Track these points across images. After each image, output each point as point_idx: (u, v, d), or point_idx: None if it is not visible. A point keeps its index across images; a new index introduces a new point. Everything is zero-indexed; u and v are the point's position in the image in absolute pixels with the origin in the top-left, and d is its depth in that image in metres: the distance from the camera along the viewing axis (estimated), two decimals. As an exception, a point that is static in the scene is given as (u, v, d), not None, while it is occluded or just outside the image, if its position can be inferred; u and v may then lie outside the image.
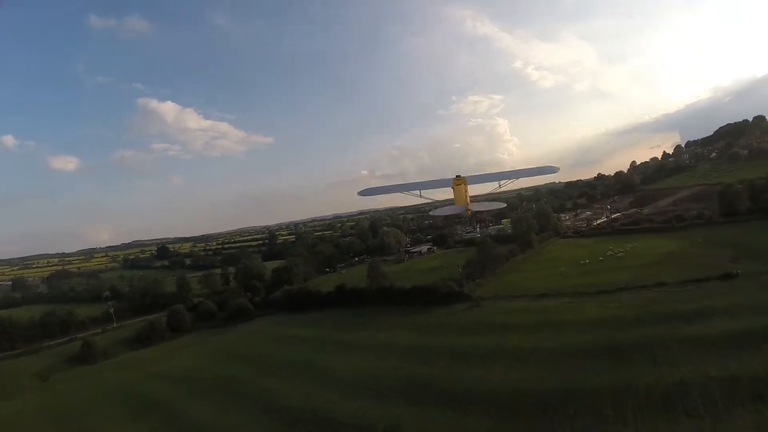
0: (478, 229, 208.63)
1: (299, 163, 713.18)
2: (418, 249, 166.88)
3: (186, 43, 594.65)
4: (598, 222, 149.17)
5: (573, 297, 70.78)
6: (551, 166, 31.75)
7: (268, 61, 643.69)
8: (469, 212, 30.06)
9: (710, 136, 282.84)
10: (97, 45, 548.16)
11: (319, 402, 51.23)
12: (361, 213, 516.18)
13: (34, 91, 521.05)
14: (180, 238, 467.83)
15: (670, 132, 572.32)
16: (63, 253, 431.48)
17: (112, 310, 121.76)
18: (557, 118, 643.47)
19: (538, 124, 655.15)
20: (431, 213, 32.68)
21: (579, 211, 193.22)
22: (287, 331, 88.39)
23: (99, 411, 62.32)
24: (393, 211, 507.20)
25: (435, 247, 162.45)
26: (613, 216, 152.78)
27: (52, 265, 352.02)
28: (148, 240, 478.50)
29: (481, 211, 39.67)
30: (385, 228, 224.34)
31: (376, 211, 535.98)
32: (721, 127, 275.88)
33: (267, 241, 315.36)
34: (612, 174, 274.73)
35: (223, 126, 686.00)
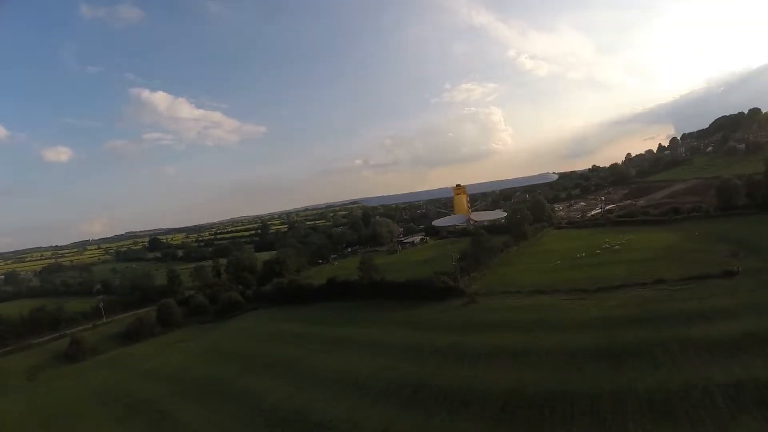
0: (470, 212, 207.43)
1: (292, 152, 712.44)
2: (410, 239, 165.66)
3: (178, 31, 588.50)
4: (593, 213, 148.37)
5: (570, 294, 68.91)
6: (549, 174, 31.74)
7: (262, 50, 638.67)
8: (472, 222, 29.69)
9: (706, 128, 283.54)
10: (88, 34, 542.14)
11: (306, 403, 49.37)
12: (353, 202, 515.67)
13: (24, 82, 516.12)
14: (173, 228, 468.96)
15: (665, 123, 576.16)
16: (56, 246, 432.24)
17: (101, 305, 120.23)
18: (551, 107, 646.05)
19: (533, 113, 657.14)
20: (434, 223, 32.47)
21: (573, 201, 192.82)
22: (277, 327, 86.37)
23: (86, 413, 60.17)
24: (386, 199, 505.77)
25: (428, 238, 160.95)
26: (607, 207, 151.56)
27: (45, 259, 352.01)
28: (141, 231, 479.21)
29: (483, 221, 38.96)
30: (378, 218, 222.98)
31: (370, 199, 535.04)
32: (716, 119, 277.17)
33: (259, 231, 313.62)
34: (607, 166, 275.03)
35: (216, 115, 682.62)
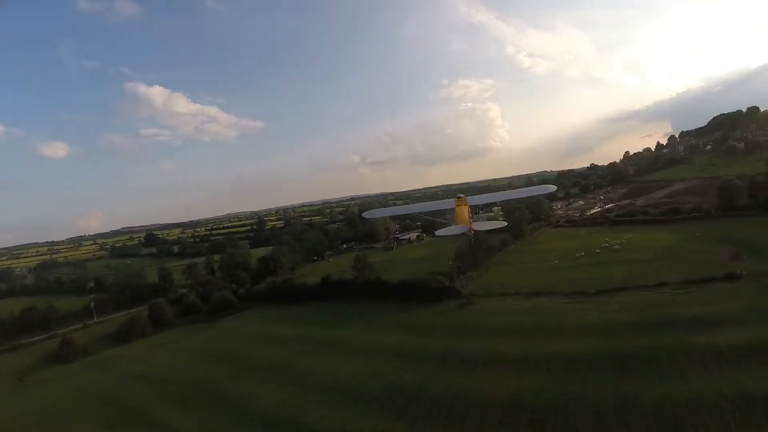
0: (472, 219, 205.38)
1: (290, 148, 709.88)
2: (407, 236, 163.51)
3: (175, 26, 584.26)
4: (592, 212, 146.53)
5: (569, 296, 67.31)
6: (549, 185, 32.52)
7: (259, 46, 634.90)
8: (473, 232, 28.98)
9: (704, 126, 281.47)
10: (85, 30, 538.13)
11: (296, 410, 47.57)
12: (351, 198, 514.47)
13: (20, 78, 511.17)
14: (170, 224, 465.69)
15: (662, 121, 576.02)
16: (52, 242, 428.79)
17: (92, 305, 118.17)
18: (549, 104, 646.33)
19: (530, 110, 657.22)
20: (437, 233, 31.61)
21: (571, 200, 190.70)
22: (269, 328, 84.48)
23: (75, 419, 58.37)
24: (383, 197, 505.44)
25: (424, 235, 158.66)
26: (606, 207, 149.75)
27: (41, 255, 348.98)
28: (137, 226, 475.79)
29: (484, 231, 37.62)
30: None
31: (367, 196, 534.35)
32: (714, 117, 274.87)
33: (255, 227, 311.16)
34: (605, 164, 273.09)
35: (213, 110, 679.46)
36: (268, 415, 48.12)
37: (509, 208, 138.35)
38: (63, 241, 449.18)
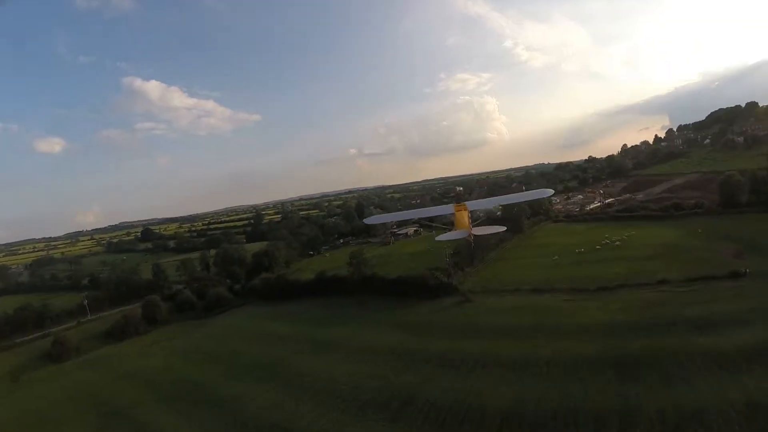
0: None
1: (287, 141, 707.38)
2: (404, 231, 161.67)
3: (171, 20, 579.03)
4: (591, 207, 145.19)
5: (570, 294, 65.73)
6: (546, 189, 33.04)
7: (256, 39, 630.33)
8: (472, 237, 28.53)
9: (702, 120, 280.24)
10: (81, 24, 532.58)
11: (289, 414, 46.22)
12: (348, 192, 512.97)
13: (15, 72, 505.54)
14: (167, 218, 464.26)
15: (660, 115, 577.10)
16: (49, 238, 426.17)
17: (86, 302, 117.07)
18: (547, 97, 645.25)
19: (528, 103, 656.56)
20: (436, 239, 31.21)
21: (570, 194, 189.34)
22: (263, 325, 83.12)
23: (64, 422, 56.98)
24: (381, 189, 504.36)
25: (422, 229, 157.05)
26: (606, 201, 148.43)
27: (38, 251, 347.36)
28: (134, 221, 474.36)
29: (483, 235, 36.98)
30: (372, 209, 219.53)
31: (365, 189, 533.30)
32: (713, 112, 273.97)
33: (252, 221, 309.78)
34: (603, 157, 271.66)
35: (209, 104, 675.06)
36: (259, 418, 46.78)
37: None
38: (60, 236, 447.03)
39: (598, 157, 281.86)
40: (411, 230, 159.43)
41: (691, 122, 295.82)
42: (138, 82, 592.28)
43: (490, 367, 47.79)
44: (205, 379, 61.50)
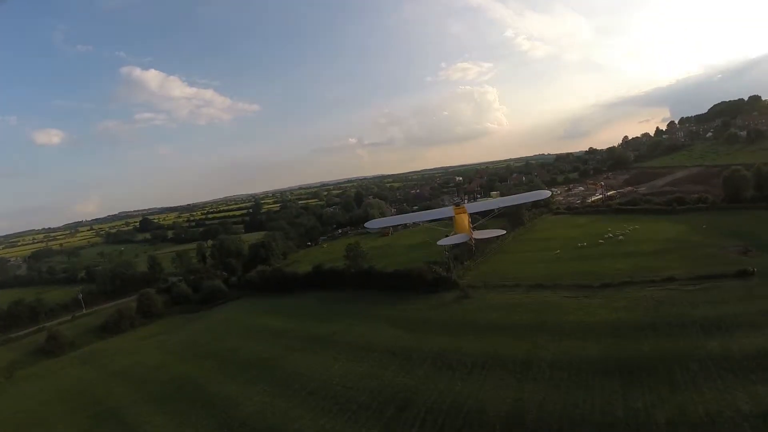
0: (466, 201, 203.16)
1: (287, 130, 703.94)
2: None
3: (170, 8, 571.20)
4: (593, 199, 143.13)
5: (573, 291, 63.60)
6: (543, 191, 35.43)
7: (255, 27, 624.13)
8: (473, 241, 27.39)
9: (704, 113, 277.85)
10: (78, 13, 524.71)
11: (280, 418, 44.33)
12: (348, 181, 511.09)
13: (13, 64, 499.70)
14: (166, 208, 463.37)
15: (660, 107, 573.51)
16: (49, 229, 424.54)
17: (80, 296, 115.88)
18: (547, 88, 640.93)
19: (528, 93, 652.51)
20: (438, 243, 30.40)
21: (571, 186, 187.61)
22: (257, 320, 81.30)
23: (52, 422, 55.42)
24: (380, 179, 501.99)
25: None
26: (608, 194, 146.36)
27: (37, 242, 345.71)
28: (134, 211, 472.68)
29: (484, 239, 36.07)
30: (371, 199, 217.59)
31: (364, 178, 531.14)
32: (715, 105, 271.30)
33: (251, 210, 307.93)
34: (604, 149, 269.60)
35: (209, 93, 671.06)
36: (249, 421, 45.02)
37: (507, 192, 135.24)
38: (60, 227, 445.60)
39: (598, 148, 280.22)
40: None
41: (692, 115, 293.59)
42: (137, 72, 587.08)
43: (489, 368, 45.92)
44: (197, 377, 59.84)
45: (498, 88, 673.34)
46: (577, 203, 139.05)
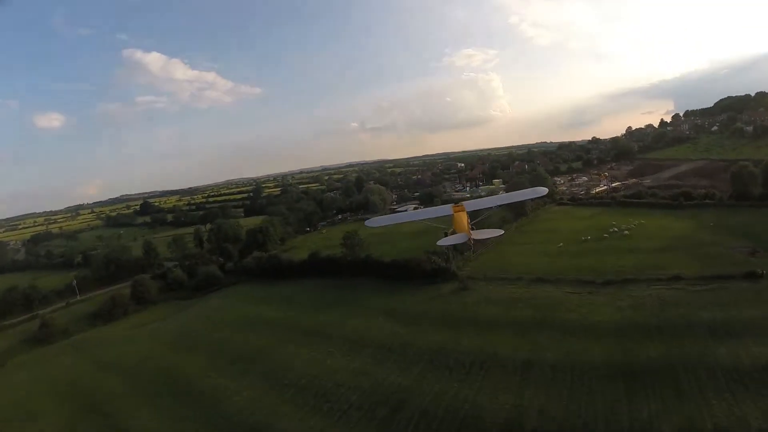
0: (467, 188, 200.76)
1: (288, 114, 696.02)
2: (404, 208, 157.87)
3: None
4: (597, 190, 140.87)
5: (576, 286, 61.70)
6: (541, 188, 36.41)
7: (259, 9, 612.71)
8: (472, 241, 27.14)
9: (710, 107, 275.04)
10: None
11: (268, 414, 43.00)
12: (349, 165, 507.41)
13: (13, 48, 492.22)
14: (167, 191, 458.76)
15: (665, 99, 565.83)
16: (50, 212, 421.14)
17: (74, 283, 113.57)
18: (551, 76, 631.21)
19: (532, 81, 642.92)
20: (438, 243, 29.39)
21: (575, 176, 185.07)
22: (252, 309, 79.34)
23: (39, 414, 54.10)
24: (382, 164, 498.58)
25: (422, 206, 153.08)
26: (613, 185, 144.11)
27: (38, 225, 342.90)
28: (135, 194, 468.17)
29: (484, 239, 35.03)
30: (372, 184, 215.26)
31: (366, 163, 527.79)
32: (721, 100, 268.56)
33: (252, 194, 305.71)
34: (608, 138, 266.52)
35: (211, 75, 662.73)
36: (238, 416, 43.78)
37: (513, 182, 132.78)
38: (61, 210, 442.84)
39: (601, 138, 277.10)
40: (411, 207, 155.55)
41: (697, 108, 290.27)
42: (138, 54, 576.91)
43: (488, 368, 44.24)
44: (187, 369, 58.36)
45: (503, 75, 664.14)
46: (581, 194, 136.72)
